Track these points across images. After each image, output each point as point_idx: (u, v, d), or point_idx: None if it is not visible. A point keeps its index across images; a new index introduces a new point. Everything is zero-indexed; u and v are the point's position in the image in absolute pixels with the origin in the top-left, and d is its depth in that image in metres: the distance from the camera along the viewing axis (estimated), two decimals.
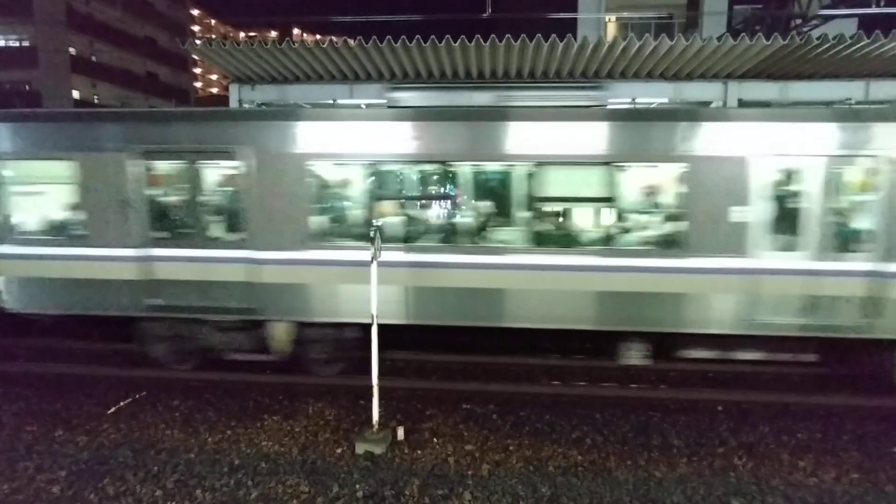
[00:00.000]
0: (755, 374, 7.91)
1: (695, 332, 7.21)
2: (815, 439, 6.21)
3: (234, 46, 10.27)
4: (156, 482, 5.24)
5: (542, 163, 7.08)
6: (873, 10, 12.44)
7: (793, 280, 6.88)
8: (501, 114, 7.40)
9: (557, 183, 7.17)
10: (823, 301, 6.88)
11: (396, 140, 7.25)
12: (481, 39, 9.56)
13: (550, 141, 7.05)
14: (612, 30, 19.83)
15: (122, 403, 7.02)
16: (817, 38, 9.43)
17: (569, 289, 7.15)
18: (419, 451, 5.84)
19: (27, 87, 32.71)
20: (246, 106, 11.60)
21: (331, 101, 11.56)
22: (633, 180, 7.34)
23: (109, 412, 6.79)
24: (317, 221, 7.43)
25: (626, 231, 7.31)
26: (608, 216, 7.23)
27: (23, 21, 32.35)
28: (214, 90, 78.47)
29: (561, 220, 7.63)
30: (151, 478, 5.31)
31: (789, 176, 6.92)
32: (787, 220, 6.87)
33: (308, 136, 7.30)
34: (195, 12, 78.12)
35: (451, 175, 7.46)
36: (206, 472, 5.39)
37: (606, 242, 7.14)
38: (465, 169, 7.34)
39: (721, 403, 7.10)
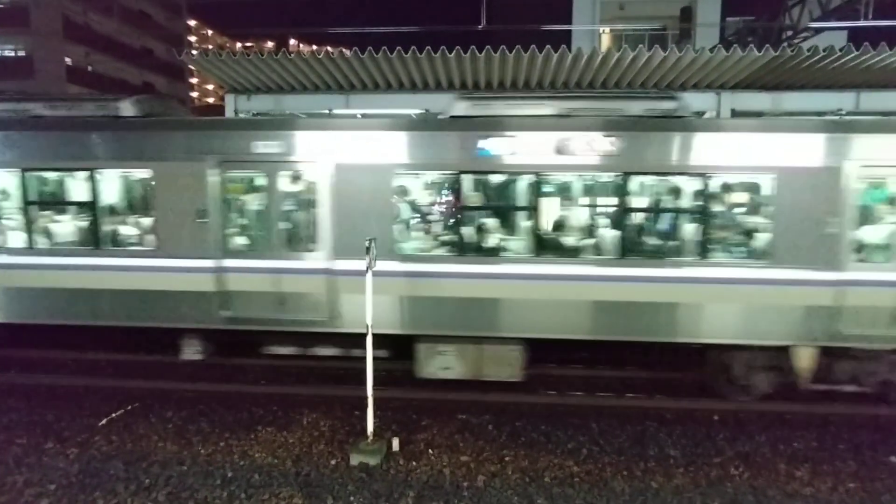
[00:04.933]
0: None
1: None
2: (811, 448, 6.21)
3: (229, 57, 10.31)
4: (147, 495, 5.18)
5: None
6: (862, 22, 12.64)
7: None
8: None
9: None
10: None
11: None
12: (476, 50, 9.64)
13: None
14: (606, 41, 20.06)
15: (114, 415, 6.95)
16: (808, 50, 9.55)
17: None
18: (414, 463, 5.80)
19: None
20: (242, 115, 11.62)
21: (327, 111, 11.60)
22: None
23: (101, 424, 6.72)
24: None
25: None
26: None
27: (19, 31, 32.41)
28: (211, 100, 78.64)
29: None
30: (143, 490, 5.25)
31: None
32: None
33: None
34: (192, 23, 78.43)
35: None
36: (199, 485, 5.34)
37: None
38: None
39: (717, 413, 7.10)
